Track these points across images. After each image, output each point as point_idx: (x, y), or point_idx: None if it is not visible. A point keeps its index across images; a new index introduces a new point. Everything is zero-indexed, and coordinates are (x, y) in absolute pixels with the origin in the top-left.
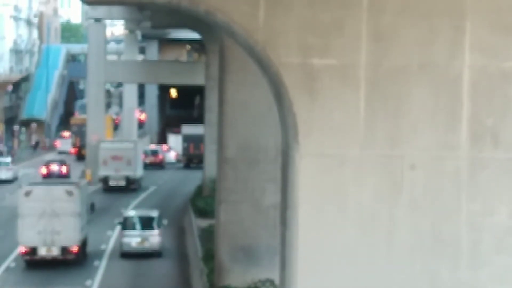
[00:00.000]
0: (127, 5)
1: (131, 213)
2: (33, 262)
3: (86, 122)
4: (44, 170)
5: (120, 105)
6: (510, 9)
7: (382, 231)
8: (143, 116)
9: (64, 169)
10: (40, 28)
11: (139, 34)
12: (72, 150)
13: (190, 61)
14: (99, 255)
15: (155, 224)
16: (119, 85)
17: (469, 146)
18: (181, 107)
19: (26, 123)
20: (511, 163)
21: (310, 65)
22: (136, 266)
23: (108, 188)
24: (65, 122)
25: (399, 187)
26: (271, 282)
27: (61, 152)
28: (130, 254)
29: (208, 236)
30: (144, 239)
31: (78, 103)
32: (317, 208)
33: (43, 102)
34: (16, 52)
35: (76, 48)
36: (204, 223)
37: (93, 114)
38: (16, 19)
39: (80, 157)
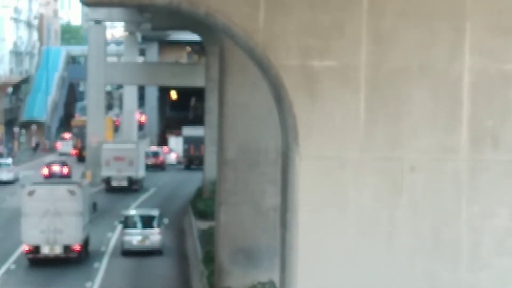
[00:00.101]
0: (127, 7)
1: (132, 212)
2: (36, 260)
3: (86, 123)
4: (45, 171)
5: (120, 107)
6: (510, 11)
7: (382, 233)
8: (143, 118)
9: (65, 170)
10: (40, 30)
11: (139, 36)
12: (73, 151)
13: (190, 63)
14: (100, 255)
15: (155, 223)
16: (119, 87)
17: (469, 148)
18: (181, 109)
19: (26, 125)
20: (511, 165)
21: (310, 67)
22: (137, 263)
23: (110, 188)
24: (65, 124)
25: (399, 189)
26: (272, 283)
27: (62, 154)
28: (131, 252)
29: (208, 238)
30: (145, 237)
31: (79, 105)
32: (317, 210)
33: (43, 104)
34: (16, 54)
35: (76, 50)
36: (204, 225)
37: (93, 116)
38: (16, 21)
39: (81, 158)
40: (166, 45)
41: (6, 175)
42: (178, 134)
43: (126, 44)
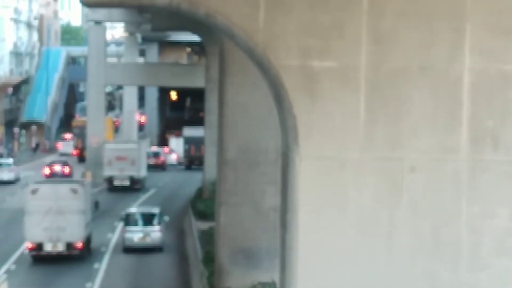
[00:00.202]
0: (127, 7)
1: (133, 209)
2: (39, 257)
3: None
4: (47, 171)
5: (120, 107)
6: (510, 11)
7: (382, 233)
8: (143, 119)
9: (66, 170)
10: (40, 30)
11: (139, 36)
12: (74, 152)
13: (190, 64)
14: (100, 254)
15: (156, 221)
16: (119, 87)
17: (469, 148)
18: (181, 110)
19: (26, 126)
20: (511, 166)
21: (310, 67)
22: (138, 264)
23: (112, 187)
24: (65, 124)
25: (399, 189)
26: (273, 284)
27: (62, 154)
28: (132, 249)
29: (208, 239)
30: (146, 234)
31: (79, 105)
32: (317, 210)
33: (43, 105)
34: (16, 54)
35: (76, 50)
36: (204, 225)
37: (93, 117)
38: (16, 21)
39: (81, 159)
40: (166, 45)
41: (7, 175)
42: (178, 135)
43: (126, 45)
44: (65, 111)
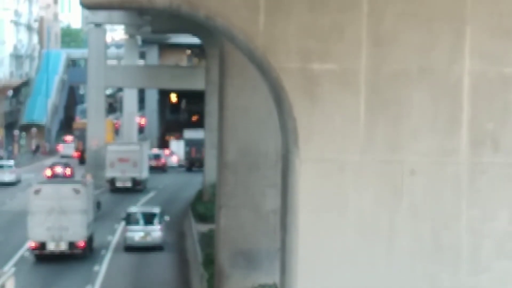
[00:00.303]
0: (127, 9)
1: (134, 209)
2: (42, 256)
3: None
4: (48, 172)
5: (120, 110)
6: (511, 13)
7: (382, 236)
8: (143, 121)
9: (68, 172)
10: (40, 33)
11: (139, 39)
12: (75, 154)
13: (190, 66)
14: (100, 257)
15: (157, 220)
16: (119, 90)
17: (469, 151)
18: (180, 112)
19: (26, 128)
20: (511, 168)
21: (310, 70)
22: (138, 264)
23: (115, 189)
24: (65, 126)
25: (399, 192)
26: (274, 286)
27: (63, 156)
28: (133, 247)
29: (208, 241)
30: (147, 233)
31: (79, 108)
32: (317, 213)
33: (43, 107)
34: (16, 57)
35: (76, 53)
36: (204, 228)
37: (93, 119)
38: (16, 24)
39: (82, 161)
40: (166, 48)
41: (8, 176)
42: (178, 137)
43: (126, 47)
44: (65, 114)
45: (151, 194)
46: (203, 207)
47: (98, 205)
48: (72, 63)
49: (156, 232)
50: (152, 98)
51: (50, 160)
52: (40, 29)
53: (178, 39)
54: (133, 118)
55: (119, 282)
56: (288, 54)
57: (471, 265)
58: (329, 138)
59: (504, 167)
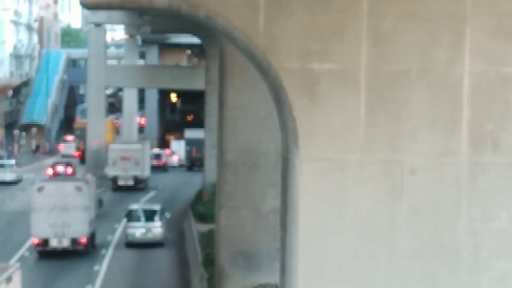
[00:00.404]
0: (127, 9)
1: (135, 206)
2: (45, 252)
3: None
4: (50, 171)
5: (120, 109)
6: (510, 14)
7: (382, 236)
8: (143, 121)
9: (69, 171)
10: (40, 33)
11: (139, 39)
12: (76, 153)
13: (190, 66)
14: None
15: (157, 217)
16: (119, 90)
17: (469, 151)
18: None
19: (26, 128)
20: (511, 169)
21: (310, 70)
22: (138, 265)
23: (117, 187)
24: (65, 126)
25: (399, 192)
26: (275, 286)
27: (64, 156)
28: (135, 244)
29: (208, 241)
30: (148, 230)
31: (79, 107)
32: (317, 213)
33: (43, 107)
34: (16, 57)
35: (76, 53)
36: (204, 227)
37: (93, 119)
38: (16, 24)
39: (83, 160)
40: (166, 48)
41: (9, 176)
42: (178, 137)
43: (126, 47)
44: (65, 113)
45: (151, 194)
46: (203, 207)
47: (100, 202)
48: (72, 63)
49: (157, 228)
50: (152, 98)
51: (50, 160)
52: (40, 29)
53: (178, 39)
54: (133, 118)
55: (119, 282)
56: (288, 54)
57: (471, 265)
58: (329, 138)
59: (504, 167)
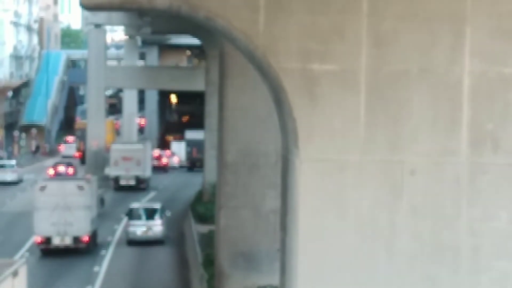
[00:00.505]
0: (127, 10)
1: (136, 205)
2: (48, 250)
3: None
4: (51, 172)
5: (120, 110)
6: (510, 14)
7: (382, 236)
8: (143, 122)
9: (70, 171)
10: (40, 33)
11: (139, 39)
12: (76, 154)
13: (190, 67)
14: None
15: (158, 215)
16: (119, 90)
17: (469, 151)
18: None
19: (26, 129)
20: (511, 169)
21: (310, 70)
22: (138, 265)
23: (118, 187)
24: (65, 127)
25: (399, 192)
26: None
27: (65, 157)
28: (136, 241)
29: (208, 242)
30: (148, 228)
31: (80, 108)
32: (317, 213)
33: (43, 108)
34: (16, 57)
35: (76, 53)
36: (204, 228)
37: (93, 120)
38: (16, 25)
39: (84, 161)
40: (166, 49)
41: (10, 176)
42: (179, 138)
43: (126, 48)
44: (65, 114)
45: (151, 194)
46: (203, 207)
47: (101, 201)
48: (72, 64)
49: (157, 226)
50: (152, 99)
51: (50, 161)
52: (40, 30)
53: (178, 40)
54: (133, 119)
55: (119, 283)
56: (288, 55)
57: (471, 265)
58: (329, 138)
59: (504, 167)
